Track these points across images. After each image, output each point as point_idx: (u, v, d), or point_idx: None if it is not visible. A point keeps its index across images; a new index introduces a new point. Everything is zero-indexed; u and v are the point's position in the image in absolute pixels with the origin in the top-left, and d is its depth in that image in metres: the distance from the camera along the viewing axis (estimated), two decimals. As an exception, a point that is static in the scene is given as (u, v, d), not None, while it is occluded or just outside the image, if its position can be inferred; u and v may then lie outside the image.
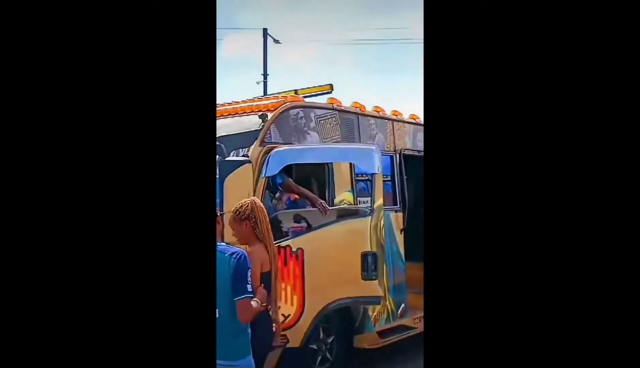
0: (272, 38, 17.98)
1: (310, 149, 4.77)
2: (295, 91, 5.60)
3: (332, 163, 5.05)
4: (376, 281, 4.63)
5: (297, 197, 4.86)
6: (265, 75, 17.77)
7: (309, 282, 4.40)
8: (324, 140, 5.01)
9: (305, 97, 5.47)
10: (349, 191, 5.26)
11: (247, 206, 3.25)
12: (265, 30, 17.76)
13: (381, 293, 4.79)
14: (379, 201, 4.78)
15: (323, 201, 4.74)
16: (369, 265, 4.57)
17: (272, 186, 4.74)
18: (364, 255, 4.58)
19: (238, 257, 2.84)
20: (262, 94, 16.89)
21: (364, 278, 4.56)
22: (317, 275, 4.45)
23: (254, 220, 3.23)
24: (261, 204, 3.35)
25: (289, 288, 4.33)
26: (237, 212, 3.24)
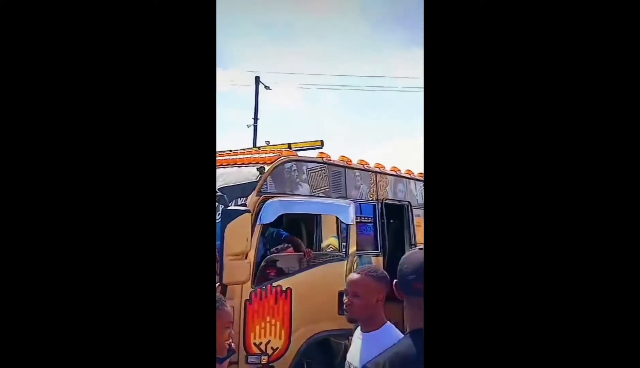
0: (264, 84, 18.85)
1: (300, 201, 5.34)
2: (289, 145, 6.18)
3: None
4: None
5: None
6: (255, 119, 18.59)
7: (295, 317, 4.93)
8: (314, 191, 5.57)
9: (297, 150, 6.07)
10: (334, 236, 5.86)
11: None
12: (257, 78, 18.71)
13: (352, 327, 5.44)
14: (353, 247, 5.70)
15: (309, 249, 5.44)
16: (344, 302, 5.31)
17: (275, 237, 5.32)
18: (340, 294, 5.33)
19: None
20: (252, 134, 17.71)
21: (340, 313, 5.25)
22: (302, 311, 5.00)
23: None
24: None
25: (278, 323, 4.84)
26: None
